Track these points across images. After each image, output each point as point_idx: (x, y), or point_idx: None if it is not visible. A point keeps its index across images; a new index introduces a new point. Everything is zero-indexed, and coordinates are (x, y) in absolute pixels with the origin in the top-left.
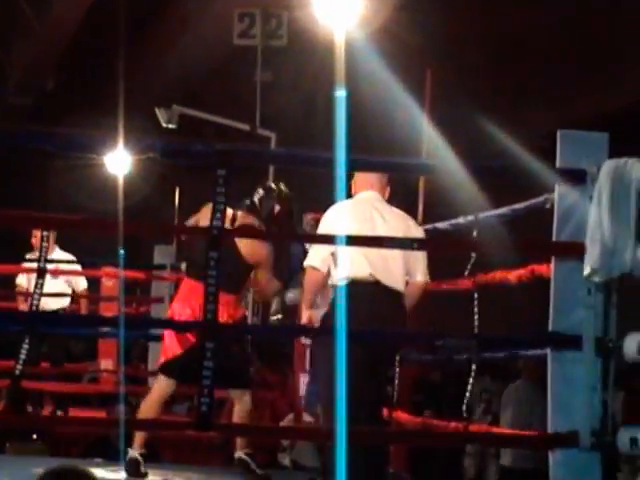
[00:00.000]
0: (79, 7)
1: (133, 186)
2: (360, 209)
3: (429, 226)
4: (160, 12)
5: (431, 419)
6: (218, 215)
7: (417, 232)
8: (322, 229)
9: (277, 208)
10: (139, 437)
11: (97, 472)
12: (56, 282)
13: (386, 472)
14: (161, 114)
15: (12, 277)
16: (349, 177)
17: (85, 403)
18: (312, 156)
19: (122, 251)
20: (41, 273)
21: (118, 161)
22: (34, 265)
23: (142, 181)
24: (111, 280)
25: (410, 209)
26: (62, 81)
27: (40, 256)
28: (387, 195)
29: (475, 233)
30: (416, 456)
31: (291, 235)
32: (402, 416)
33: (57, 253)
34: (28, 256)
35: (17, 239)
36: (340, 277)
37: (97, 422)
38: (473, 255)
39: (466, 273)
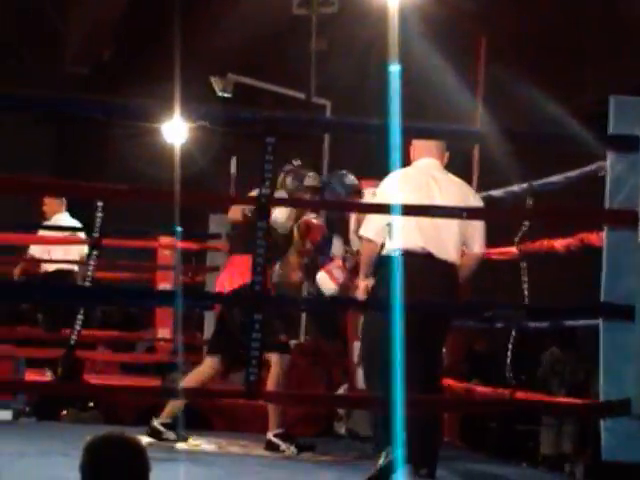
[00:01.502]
0: None
1: (189, 155)
2: (417, 178)
3: (484, 194)
4: None
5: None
6: (267, 183)
7: (475, 201)
8: (378, 199)
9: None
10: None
11: (147, 440)
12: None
13: (439, 441)
14: (216, 83)
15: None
16: (406, 144)
17: (141, 371)
18: (362, 123)
19: (178, 222)
20: (97, 244)
21: (174, 130)
22: (48, 233)
23: (199, 150)
24: (167, 250)
25: (464, 177)
26: (118, 50)
27: (95, 227)
28: (445, 162)
29: (529, 201)
30: (468, 425)
31: (345, 204)
32: (452, 384)
33: (65, 218)
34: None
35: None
36: (392, 248)
37: (151, 390)
38: (526, 223)
39: (516, 240)
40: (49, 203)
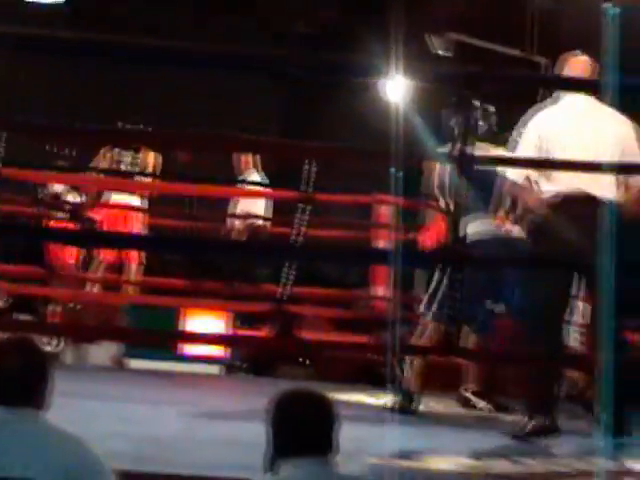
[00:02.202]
0: None
1: (410, 113)
2: (569, 114)
3: None
4: None
5: None
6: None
7: (633, 136)
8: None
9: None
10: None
11: (360, 397)
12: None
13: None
14: (435, 42)
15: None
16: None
17: (358, 329)
18: (570, 80)
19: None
20: (309, 199)
21: (395, 87)
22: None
23: (419, 109)
24: (383, 207)
25: None
26: (344, 10)
27: (306, 182)
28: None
29: None
30: None
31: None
32: None
33: (255, 175)
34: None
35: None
36: (548, 191)
37: (364, 347)
38: None
39: None
40: (244, 161)
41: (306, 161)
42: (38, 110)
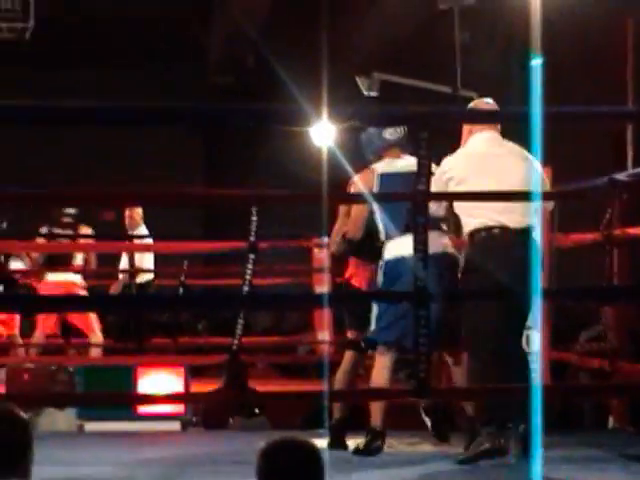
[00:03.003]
0: None
1: (338, 157)
2: (478, 156)
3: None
4: None
5: None
6: (423, 179)
7: (537, 169)
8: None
9: None
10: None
11: (319, 443)
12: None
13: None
14: (362, 82)
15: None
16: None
17: (302, 374)
18: (508, 112)
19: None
20: (253, 248)
21: (323, 132)
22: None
23: (347, 151)
24: (321, 251)
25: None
26: (261, 56)
27: (251, 231)
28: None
29: None
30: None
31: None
32: (625, 367)
33: (142, 229)
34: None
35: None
36: (468, 228)
37: (316, 394)
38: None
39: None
40: (135, 215)
41: (252, 209)
42: None
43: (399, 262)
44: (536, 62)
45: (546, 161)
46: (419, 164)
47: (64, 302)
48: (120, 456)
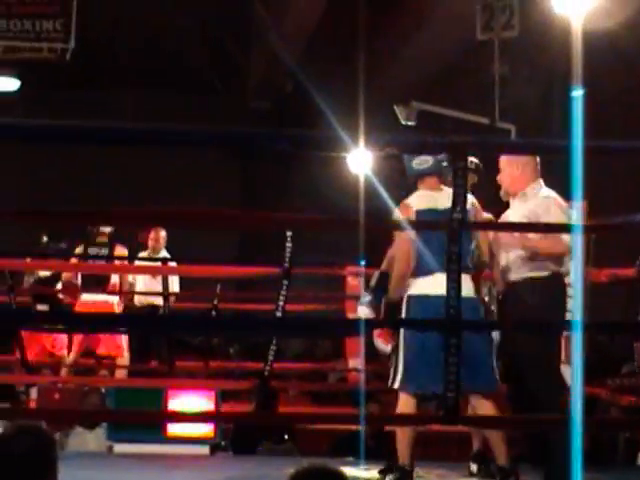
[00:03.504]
0: (315, 9)
1: (375, 184)
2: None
3: None
4: (397, 7)
5: None
6: (458, 208)
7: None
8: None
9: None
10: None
11: (348, 470)
12: (155, 281)
13: None
14: (400, 111)
15: None
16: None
17: (334, 401)
18: (548, 144)
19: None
20: (287, 274)
21: (359, 159)
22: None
23: (384, 179)
24: (355, 279)
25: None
26: (300, 83)
27: (286, 257)
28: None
29: None
30: None
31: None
32: None
33: (163, 252)
34: (141, 254)
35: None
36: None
37: (346, 418)
38: None
39: None
40: (160, 238)
41: (287, 235)
42: None
43: (423, 300)
44: (577, 93)
45: (584, 195)
46: (455, 193)
47: (109, 322)
48: (148, 478)
